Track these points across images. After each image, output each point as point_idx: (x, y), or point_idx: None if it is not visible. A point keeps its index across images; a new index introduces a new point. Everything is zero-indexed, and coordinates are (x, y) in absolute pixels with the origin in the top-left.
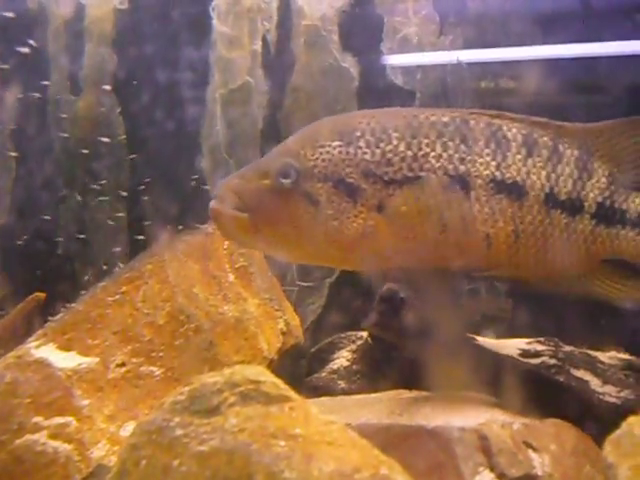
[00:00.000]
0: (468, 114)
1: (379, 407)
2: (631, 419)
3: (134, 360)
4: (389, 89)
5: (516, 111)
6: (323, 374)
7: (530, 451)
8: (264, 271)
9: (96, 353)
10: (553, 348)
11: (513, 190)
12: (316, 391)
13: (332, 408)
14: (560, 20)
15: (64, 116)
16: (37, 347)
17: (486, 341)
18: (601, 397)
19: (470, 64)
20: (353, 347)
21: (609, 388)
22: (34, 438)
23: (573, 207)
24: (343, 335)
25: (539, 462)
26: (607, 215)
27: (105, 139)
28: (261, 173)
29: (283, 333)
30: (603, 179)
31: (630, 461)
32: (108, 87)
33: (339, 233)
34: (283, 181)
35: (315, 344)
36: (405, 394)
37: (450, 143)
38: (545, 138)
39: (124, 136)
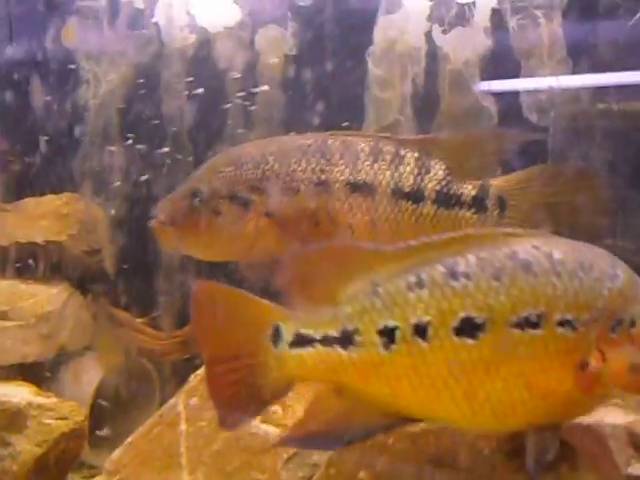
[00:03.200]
0: (327, 136)
1: None
2: None
3: None
4: (524, 125)
5: None
6: None
7: None
8: None
9: None
10: None
11: (365, 188)
12: None
13: None
14: None
15: None
16: None
17: None
18: None
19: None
20: None
21: None
22: None
23: (416, 196)
24: None
25: None
26: (445, 200)
27: None
28: (181, 196)
29: None
30: (440, 172)
31: None
32: None
33: (238, 235)
34: (195, 201)
35: None
36: None
37: (313, 159)
38: (388, 147)
39: None
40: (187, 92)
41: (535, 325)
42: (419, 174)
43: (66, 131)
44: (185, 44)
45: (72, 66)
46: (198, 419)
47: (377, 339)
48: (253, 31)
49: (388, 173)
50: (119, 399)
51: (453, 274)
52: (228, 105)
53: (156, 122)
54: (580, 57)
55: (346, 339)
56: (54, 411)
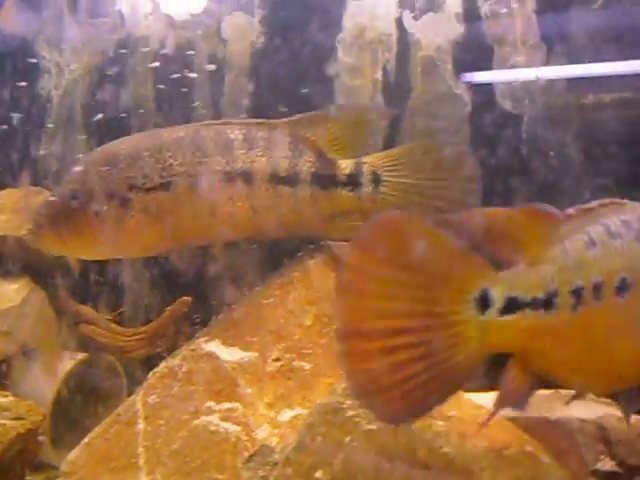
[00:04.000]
0: (200, 126)
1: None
2: None
3: (287, 356)
4: (498, 112)
5: None
6: None
7: None
8: None
9: (255, 349)
10: None
11: (242, 177)
12: None
13: None
14: None
15: None
16: (206, 342)
17: None
18: None
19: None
20: None
21: None
22: (209, 419)
23: (293, 180)
24: None
25: None
26: (321, 181)
27: None
28: (59, 198)
29: None
30: (313, 154)
31: None
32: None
33: (119, 233)
34: (73, 202)
35: None
36: None
37: (188, 152)
38: (261, 133)
39: None
40: (151, 80)
41: None
42: (293, 158)
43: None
44: (149, 32)
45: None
46: (157, 417)
47: (570, 300)
48: (219, 19)
49: (263, 160)
50: (84, 397)
51: (611, 234)
52: (194, 93)
53: (117, 112)
54: (554, 43)
55: (549, 301)
56: (10, 411)
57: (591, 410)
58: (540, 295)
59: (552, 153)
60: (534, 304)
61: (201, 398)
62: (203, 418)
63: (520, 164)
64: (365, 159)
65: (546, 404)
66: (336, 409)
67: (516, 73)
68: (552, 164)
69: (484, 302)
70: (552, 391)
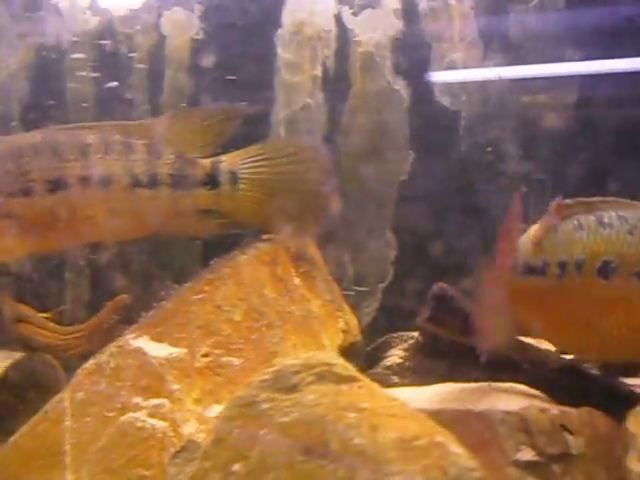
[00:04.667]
0: (56, 131)
1: (430, 395)
2: None
3: (216, 351)
4: (436, 109)
5: None
6: (378, 370)
7: (566, 433)
8: (325, 276)
9: (184, 345)
10: None
11: (100, 181)
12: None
13: None
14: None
15: None
16: (134, 338)
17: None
18: (632, 388)
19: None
20: (405, 346)
21: None
22: (135, 416)
23: (151, 182)
24: (395, 335)
25: (574, 443)
26: (179, 182)
27: None
28: None
29: (343, 331)
30: (171, 155)
31: None
32: None
33: None
34: None
35: (370, 344)
36: (455, 385)
37: (44, 157)
38: (118, 137)
39: None
40: (89, 75)
41: None
42: (150, 160)
43: None
44: (87, 27)
45: None
46: (84, 414)
47: (557, 270)
48: (158, 14)
49: (121, 163)
50: (21, 396)
51: (602, 223)
52: (133, 90)
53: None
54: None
55: (543, 269)
56: None
57: (515, 402)
58: (538, 263)
59: (489, 148)
60: (541, 270)
61: (128, 394)
62: (130, 414)
63: (458, 159)
64: (223, 158)
65: (472, 397)
66: (251, 402)
67: (454, 70)
68: (489, 159)
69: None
70: (479, 384)
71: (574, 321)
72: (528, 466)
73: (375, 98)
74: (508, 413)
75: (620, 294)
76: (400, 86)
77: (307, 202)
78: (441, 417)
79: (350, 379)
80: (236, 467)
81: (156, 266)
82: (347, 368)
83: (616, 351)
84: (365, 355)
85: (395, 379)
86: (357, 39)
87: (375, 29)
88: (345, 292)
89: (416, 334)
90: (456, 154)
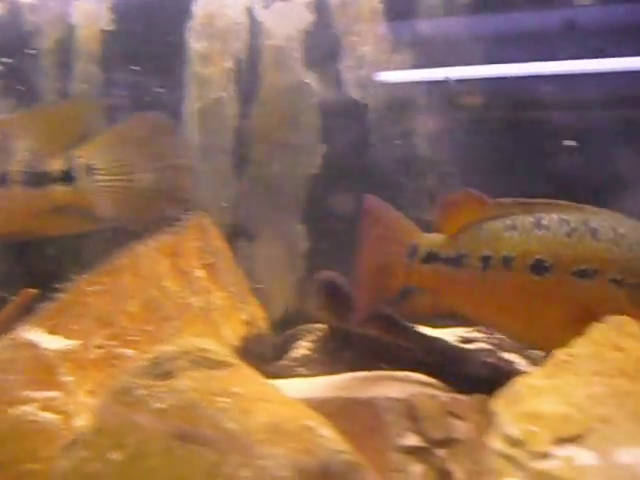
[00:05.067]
0: None
1: (324, 385)
2: (517, 378)
3: (111, 343)
4: (345, 102)
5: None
6: (284, 362)
7: (454, 419)
8: (231, 268)
9: (78, 336)
10: (488, 335)
11: None
12: (277, 377)
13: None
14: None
15: None
16: (27, 331)
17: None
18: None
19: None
20: (312, 337)
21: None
22: (27, 409)
23: (3, 180)
24: (303, 327)
25: (462, 428)
26: (33, 180)
27: None
28: None
29: (247, 323)
30: (25, 153)
31: (511, 410)
32: None
33: None
34: None
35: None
36: (351, 375)
37: None
38: None
39: None
40: None
41: (590, 277)
42: (3, 158)
43: None
44: None
45: None
46: None
47: (478, 263)
48: (68, 3)
49: None
50: None
51: (538, 225)
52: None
53: None
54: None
55: (459, 260)
56: None
57: (405, 390)
58: (452, 255)
59: (397, 142)
60: (446, 260)
61: (20, 387)
62: (21, 408)
63: (367, 152)
64: (77, 152)
65: (363, 385)
66: (127, 389)
67: (363, 63)
68: (397, 152)
69: (413, 252)
70: (376, 373)
71: (500, 309)
72: (412, 451)
73: (286, 91)
74: (394, 400)
75: (556, 290)
76: (311, 79)
77: (168, 179)
78: (331, 405)
79: (224, 365)
80: (115, 455)
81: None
82: (222, 353)
83: (540, 337)
84: (274, 347)
85: (301, 370)
86: (268, 32)
87: (286, 22)
88: (258, 286)
89: (324, 326)
90: (365, 147)
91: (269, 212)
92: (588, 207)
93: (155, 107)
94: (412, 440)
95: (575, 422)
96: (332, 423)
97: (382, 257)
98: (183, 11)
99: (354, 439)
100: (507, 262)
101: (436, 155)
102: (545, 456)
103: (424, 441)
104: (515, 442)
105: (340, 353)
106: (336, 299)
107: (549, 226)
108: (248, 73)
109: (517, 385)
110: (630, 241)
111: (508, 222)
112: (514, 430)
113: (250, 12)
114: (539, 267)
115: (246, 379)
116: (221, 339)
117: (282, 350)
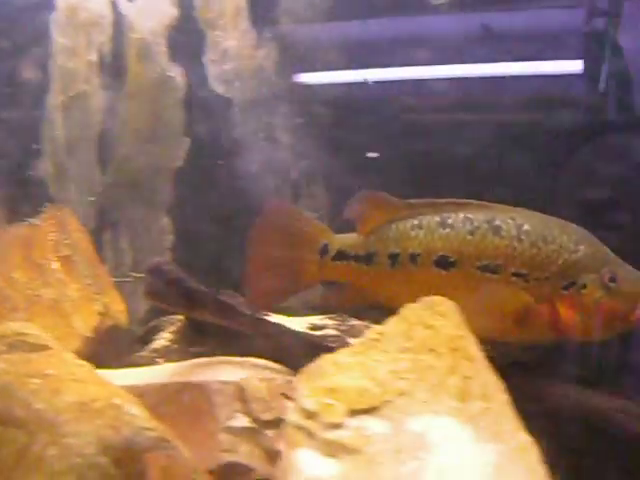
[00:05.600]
0: None
1: (163, 372)
2: (325, 355)
3: None
4: (210, 96)
5: None
6: (144, 353)
7: (286, 401)
8: (90, 261)
9: None
10: (340, 322)
11: None
12: (135, 367)
13: (127, 375)
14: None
15: None
16: None
17: (280, 318)
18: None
19: None
20: (173, 328)
21: None
22: None
23: None
24: (165, 318)
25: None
26: None
27: None
28: None
29: (101, 314)
30: None
31: (311, 384)
32: None
33: None
34: None
35: None
36: (190, 361)
37: None
38: None
39: None
40: None
41: (493, 271)
42: None
43: None
44: None
45: None
46: None
47: (386, 260)
48: None
49: None
50: None
51: (443, 224)
52: None
53: None
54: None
55: (369, 258)
56: None
57: (239, 373)
58: (362, 253)
59: (262, 135)
60: (356, 258)
61: None
62: None
63: (230, 145)
64: None
65: (198, 370)
66: None
67: (227, 57)
68: (262, 145)
69: (324, 251)
70: (213, 358)
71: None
72: (241, 432)
73: (150, 85)
74: (225, 383)
75: (463, 283)
76: (175, 73)
77: None
78: (166, 391)
79: (42, 348)
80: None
81: None
82: (40, 337)
83: None
84: (136, 338)
85: (160, 361)
86: (132, 26)
87: (150, 16)
88: (123, 278)
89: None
90: (228, 140)
91: (134, 205)
92: (499, 206)
93: (19, 100)
94: (241, 421)
95: (372, 395)
96: (166, 407)
97: (288, 254)
98: (46, 2)
99: (186, 421)
100: (413, 258)
101: (299, 147)
102: (337, 426)
103: (253, 422)
104: (310, 414)
105: (199, 343)
106: (164, 285)
107: (453, 225)
108: (112, 67)
109: (322, 361)
110: (534, 238)
111: (415, 222)
112: (310, 403)
113: (114, 5)
114: (444, 262)
115: (62, 361)
116: (71, 330)
117: (144, 341)
